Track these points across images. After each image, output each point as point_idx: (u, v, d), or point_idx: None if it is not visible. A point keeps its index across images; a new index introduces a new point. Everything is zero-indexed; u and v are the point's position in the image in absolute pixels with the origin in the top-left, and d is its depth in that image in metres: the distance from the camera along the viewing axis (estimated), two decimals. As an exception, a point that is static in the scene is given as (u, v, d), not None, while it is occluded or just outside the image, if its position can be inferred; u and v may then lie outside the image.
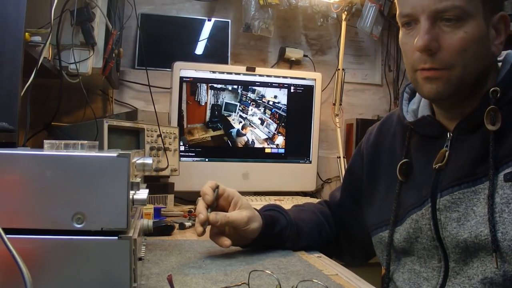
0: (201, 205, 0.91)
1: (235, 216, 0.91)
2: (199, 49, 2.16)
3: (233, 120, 1.93)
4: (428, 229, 0.86)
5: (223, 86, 1.91)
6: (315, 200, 1.93)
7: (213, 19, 2.16)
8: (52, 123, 1.40)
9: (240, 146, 1.94)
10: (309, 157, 2.04)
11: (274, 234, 0.98)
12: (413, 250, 0.90)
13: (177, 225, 1.24)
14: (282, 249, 1.01)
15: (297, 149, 2.04)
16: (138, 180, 0.65)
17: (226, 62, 2.15)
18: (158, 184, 1.60)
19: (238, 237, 0.94)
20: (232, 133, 1.93)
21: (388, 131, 1.02)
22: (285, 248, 1.01)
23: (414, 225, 0.89)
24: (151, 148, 1.54)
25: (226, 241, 0.91)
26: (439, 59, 0.81)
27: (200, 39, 2.15)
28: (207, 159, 1.89)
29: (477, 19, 0.80)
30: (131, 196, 0.59)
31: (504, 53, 0.88)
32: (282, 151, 2.01)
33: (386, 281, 0.96)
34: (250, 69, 1.96)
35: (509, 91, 0.81)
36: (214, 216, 0.89)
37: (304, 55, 2.25)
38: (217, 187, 0.94)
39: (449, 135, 0.88)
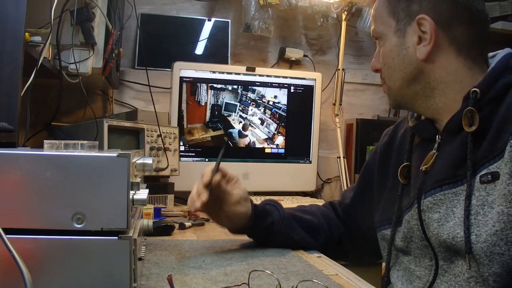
0: (199, 183, 0.98)
1: (229, 188, 0.98)
2: (199, 49, 2.16)
3: (233, 120, 1.93)
4: (417, 229, 0.88)
5: (223, 86, 1.91)
6: (315, 200, 1.94)
7: (213, 19, 2.16)
8: (52, 123, 1.40)
9: (242, 146, 1.94)
10: (309, 157, 2.04)
11: (265, 226, 1.01)
12: (410, 250, 0.92)
13: (177, 225, 1.24)
14: (274, 245, 1.02)
15: (297, 149, 2.04)
16: (138, 180, 0.65)
17: (226, 62, 2.15)
18: (158, 184, 1.60)
19: (225, 218, 1.00)
20: (234, 134, 1.93)
21: (399, 133, 1.05)
22: (277, 244, 1.02)
23: (407, 226, 0.91)
24: (151, 148, 1.54)
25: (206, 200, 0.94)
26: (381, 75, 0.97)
27: (200, 39, 2.15)
28: (207, 159, 1.89)
29: (389, 35, 0.92)
30: (131, 196, 0.59)
31: (496, 53, 0.89)
32: (282, 151, 2.01)
33: (384, 279, 0.99)
34: (250, 69, 1.96)
35: (489, 91, 0.81)
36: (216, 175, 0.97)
37: (304, 55, 2.25)
38: (218, 166, 0.99)
39: (438, 137, 0.90)
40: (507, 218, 0.73)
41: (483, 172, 0.78)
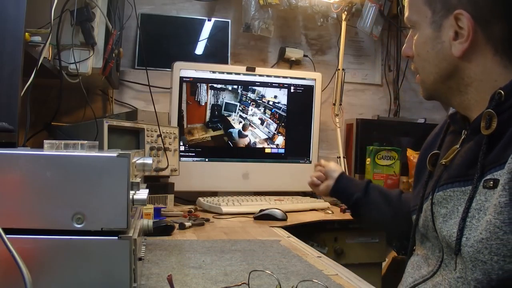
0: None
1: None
2: (199, 49, 2.16)
3: (233, 120, 1.93)
4: (430, 220, 0.89)
5: (223, 86, 1.91)
6: (315, 200, 1.93)
7: (213, 19, 2.16)
8: (52, 123, 1.40)
9: (241, 146, 1.94)
10: (309, 157, 2.04)
11: (347, 199, 1.30)
12: (429, 237, 0.93)
13: (177, 225, 1.24)
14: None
15: (297, 149, 2.03)
16: (138, 180, 0.65)
17: (226, 62, 2.15)
18: (158, 184, 1.60)
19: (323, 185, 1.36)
20: (233, 134, 1.93)
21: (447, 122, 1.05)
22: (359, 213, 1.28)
23: (425, 214, 0.92)
24: (151, 148, 1.54)
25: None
26: (413, 64, 0.96)
27: (200, 39, 2.15)
28: (207, 159, 1.88)
29: (423, 25, 0.89)
30: (131, 196, 0.59)
31: None
32: (282, 151, 2.01)
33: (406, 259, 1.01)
34: (250, 69, 1.96)
35: None
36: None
37: (304, 55, 2.25)
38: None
39: (463, 133, 0.90)
40: (493, 229, 0.73)
41: (488, 177, 0.77)
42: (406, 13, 0.93)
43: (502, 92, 0.79)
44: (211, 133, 1.90)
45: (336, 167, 1.37)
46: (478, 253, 0.74)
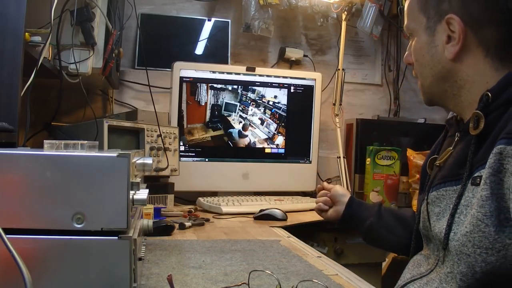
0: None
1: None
2: (199, 49, 2.16)
3: (233, 120, 1.93)
4: (426, 220, 0.92)
5: (223, 86, 1.91)
6: (315, 200, 1.93)
7: (213, 19, 2.16)
8: (52, 123, 1.40)
9: (241, 146, 1.94)
10: (309, 157, 2.04)
11: (355, 226, 1.25)
12: (430, 237, 0.94)
13: (177, 225, 1.24)
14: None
15: (297, 149, 2.04)
16: (138, 180, 0.65)
17: (226, 62, 2.15)
18: (158, 184, 1.60)
19: (332, 210, 1.27)
20: (233, 134, 1.93)
21: None
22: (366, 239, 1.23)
23: (422, 215, 0.95)
24: (151, 148, 1.54)
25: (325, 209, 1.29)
26: (414, 70, 0.99)
27: (200, 39, 2.15)
28: (207, 159, 1.88)
29: (420, 31, 0.93)
30: (131, 196, 0.59)
31: None
32: (282, 151, 2.01)
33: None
34: (250, 69, 1.96)
35: (501, 96, 0.82)
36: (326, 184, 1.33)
37: (304, 55, 2.25)
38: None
39: (457, 135, 0.92)
40: (475, 222, 0.75)
41: (475, 174, 0.80)
42: (405, 22, 0.97)
43: (489, 94, 0.82)
44: (211, 133, 1.90)
45: (343, 190, 1.30)
46: (462, 246, 0.77)
